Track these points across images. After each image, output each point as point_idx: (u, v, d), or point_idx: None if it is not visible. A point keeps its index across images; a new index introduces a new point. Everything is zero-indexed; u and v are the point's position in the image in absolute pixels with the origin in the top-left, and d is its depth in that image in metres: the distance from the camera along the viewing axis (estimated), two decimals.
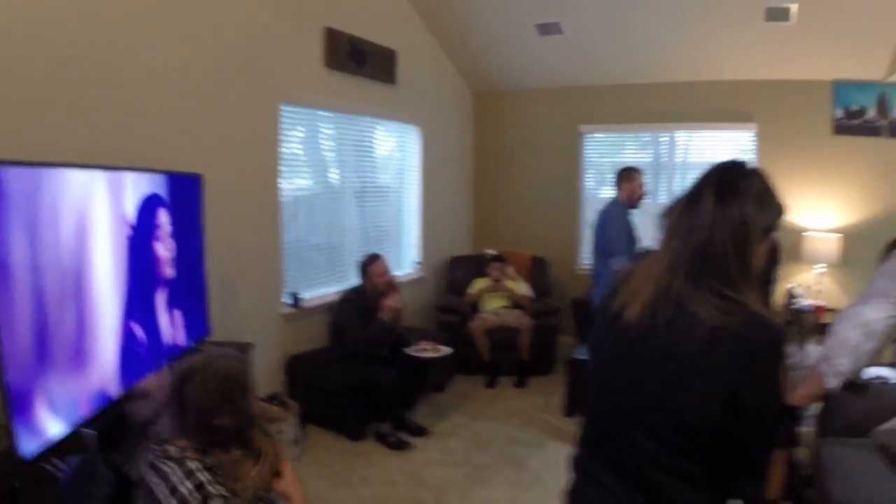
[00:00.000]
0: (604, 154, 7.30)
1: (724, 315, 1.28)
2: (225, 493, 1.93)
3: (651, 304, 1.36)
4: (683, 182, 6.75)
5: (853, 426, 3.47)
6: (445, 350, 4.89)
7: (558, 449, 4.44)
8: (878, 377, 4.41)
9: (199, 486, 1.90)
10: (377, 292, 4.76)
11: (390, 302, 4.67)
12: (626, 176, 4.95)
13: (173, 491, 1.87)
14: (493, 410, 5.29)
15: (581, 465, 1.56)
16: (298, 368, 4.82)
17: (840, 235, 6.05)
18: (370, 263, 4.83)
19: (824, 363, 3.69)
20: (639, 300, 1.38)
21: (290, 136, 4.92)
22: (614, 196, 5.02)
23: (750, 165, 1.44)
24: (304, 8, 4.85)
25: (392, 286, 4.85)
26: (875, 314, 3.56)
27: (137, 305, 2.97)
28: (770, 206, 1.39)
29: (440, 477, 4.16)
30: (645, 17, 5.90)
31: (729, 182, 1.37)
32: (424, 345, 4.86)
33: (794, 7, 5.36)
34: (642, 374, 1.37)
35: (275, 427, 4.04)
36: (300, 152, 5.14)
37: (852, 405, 3.56)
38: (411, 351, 4.77)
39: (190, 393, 2.00)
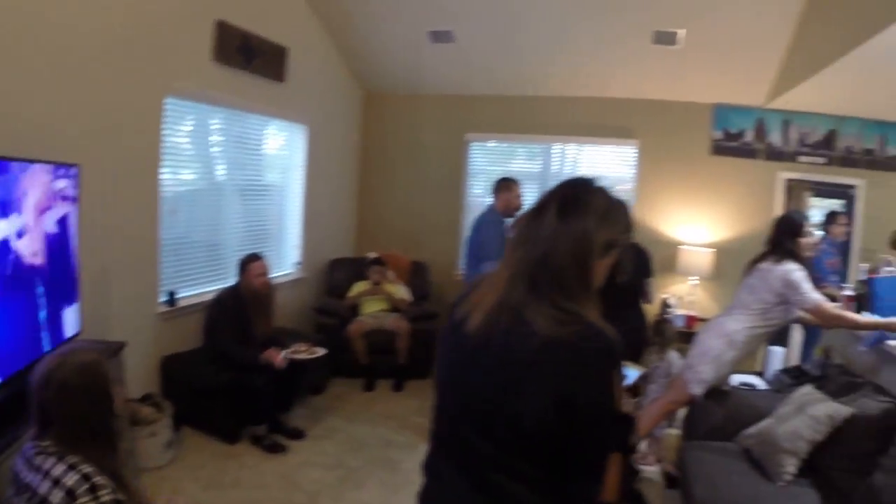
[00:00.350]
0: (494, 162, 7.52)
1: (559, 325, 1.32)
2: (111, 485, 1.88)
3: (492, 312, 1.40)
4: None
5: (718, 431, 3.71)
6: (320, 351, 4.84)
7: None
8: (745, 384, 4.72)
9: (86, 477, 1.84)
10: (253, 292, 4.68)
11: (276, 358, 4.53)
12: (504, 186, 5.06)
13: (59, 485, 1.80)
14: (369, 413, 5.33)
15: (430, 467, 1.59)
16: (174, 369, 4.69)
17: (713, 250, 6.47)
18: (249, 262, 4.73)
19: (688, 371, 3.94)
20: (481, 308, 1.42)
21: (176, 129, 4.79)
22: (491, 204, 5.15)
23: (597, 182, 1.51)
24: None
25: (269, 287, 4.78)
26: (735, 325, 3.84)
27: (3, 301, 2.83)
28: (612, 222, 1.46)
29: (314, 480, 4.16)
30: (536, 31, 6.09)
31: (572, 197, 1.44)
32: (299, 346, 4.81)
33: (681, 32, 5.67)
34: (481, 380, 1.41)
35: (148, 430, 3.94)
36: (186, 146, 5.01)
37: (717, 411, 3.79)
38: (286, 353, 4.71)
39: (51, 391, 1.93)
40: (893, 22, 3.80)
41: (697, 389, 3.83)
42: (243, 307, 4.64)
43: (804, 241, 3.70)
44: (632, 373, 1.78)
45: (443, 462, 1.54)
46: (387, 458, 4.52)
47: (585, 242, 1.40)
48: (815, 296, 3.58)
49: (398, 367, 5.97)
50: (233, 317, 4.60)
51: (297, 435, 4.72)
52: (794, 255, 3.68)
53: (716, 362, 3.80)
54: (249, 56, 5.31)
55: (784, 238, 3.74)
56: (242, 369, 4.47)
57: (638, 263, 4.23)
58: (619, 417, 1.41)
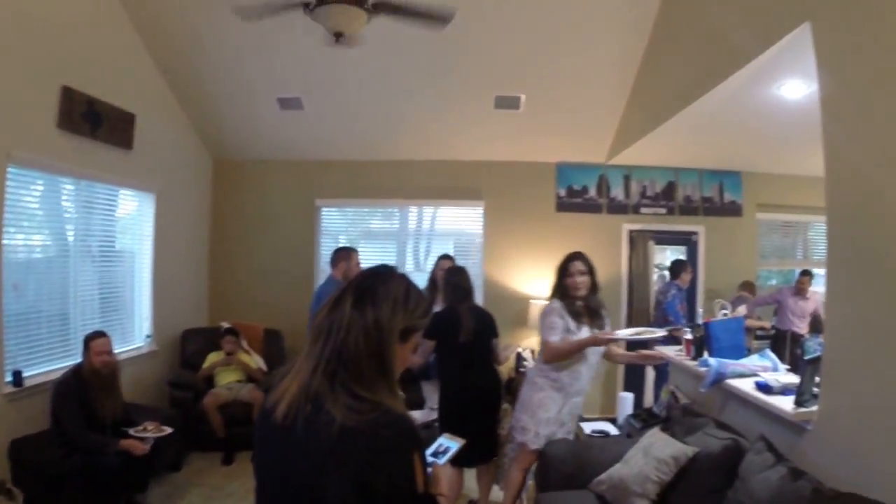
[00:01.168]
0: (352, 222, 7.73)
1: (354, 414, 1.37)
2: None
3: (295, 401, 1.43)
4: (428, 250, 7.44)
5: (572, 479, 3.81)
6: (167, 430, 4.64)
7: None
8: (598, 431, 4.92)
9: None
10: (96, 372, 4.44)
11: (136, 448, 4.34)
12: (342, 256, 5.12)
13: None
14: (229, 487, 5.15)
15: None
16: (24, 453, 4.30)
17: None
18: (92, 340, 4.50)
19: (513, 422, 4.11)
20: (286, 397, 1.45)
21: (23, 194, 4.60)
22: (331, 274, 5.18)
23: (395, 271, 1.61)
24: (41, 63, 4.55)
25: (112, 366, 4.53)
26: (533, 368, 4.07)
27: None
28: (409, 309, 1.54)
29: None
30: (382, 98, 6.35)
31: (368, 287, 1.52)
32: (147, 424, 4.60)
33: (522, 97, 6.05)
34: (288, 468, 1.45)
35: None
36: (35, 211, 4.80)
37: (570, 460, 3.90)
38: (133, 432, 4.49)
39: None
40: (716, 85, 4.32)
41: (522, 437, 3.99)
42: (87, 388, 4.39)
43: (569, 280, 3.99)
44: (452, 445, 1.87)
45: None
46: None
47: (379, 331, 1.46)
48: (548, 334, 3.89)
49: None
50: (77, 399, 4.32)
51: None
52: (563, 293, 4.01)
53: (527, 407, 4.00)
54: (96, 123, 5.15)
55: (558, 279, 4.07)
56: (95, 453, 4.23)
57: (481, 325, 4.41)
58: (422, 498, 1.47)
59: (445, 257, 5.79)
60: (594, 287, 4.07)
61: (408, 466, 1.41)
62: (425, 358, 4.55)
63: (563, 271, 4.03)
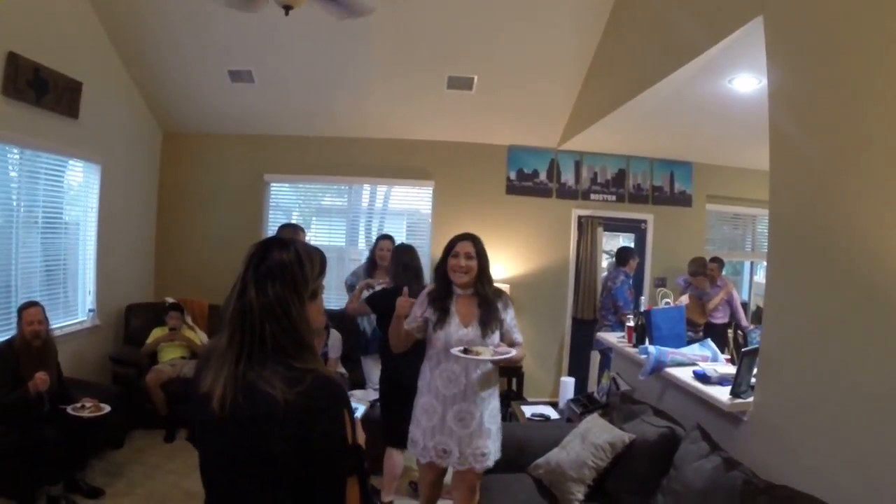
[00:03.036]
0: (304, 199, 7.68)
1: (289, 387, 1.46)
2: None
3: (229, 389, 1.48)
4: (381, 227, 7.47)
5: (512, 462, 3.80)
6: (106, 408, 4.54)
7: None
8: (539, 415, 4.96)
9: None
10: (26, 343, 4.34)
11: (39, 377, 4.22)
12: (290, 233, 5.01)
13: None
14: (171, 465, 5.09)
15: None
16: None
17: (507, 286, 6.82)
18: (23, 309, 4.42)
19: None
20: (217, 388, 1.49)
21: None
22: None
23: (281, 244, 1.63)
24: None
25: (41, 337, 4.42)
26: None
27: None
28: (306, 272, 1.60)
29: None
30: (334, 75, 6.29)
31: (263, 269, 1.56)
32: (85, 402, 4.51)
33: (475, 78, 6.06)
34: (235, 440, 1.50)
35: None
36: None
37: (511, 443, 3.90)
38: (71, 409, 4.40)
39: None
40: (669, 74, 4.37)
41: (412, 449, 3.66)
42: (19, 360, 4.30)
43: (452, 260, 3.51)
44: (359, 406, 1.89)
45: None
46: None
47: (286, 306, 1.54)
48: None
49: None
50: (8, 369, 4.24)
51: (96, 493, 4.45)
52: (443, 274, 3.57)
53: (412, 415, 3.69)
54: (41, 90, 5.00)
55: (443, 257, 3.66)
56: (34, 414, 4.17)
57: None
58: (352, 448, 1.56)
59: (385, 237, 5.64)
60: (483, 277, 3.58)
61: (340, 422, 1.52)
62: (360, 312, 4.60)
63: (450, 249, 3.54)
